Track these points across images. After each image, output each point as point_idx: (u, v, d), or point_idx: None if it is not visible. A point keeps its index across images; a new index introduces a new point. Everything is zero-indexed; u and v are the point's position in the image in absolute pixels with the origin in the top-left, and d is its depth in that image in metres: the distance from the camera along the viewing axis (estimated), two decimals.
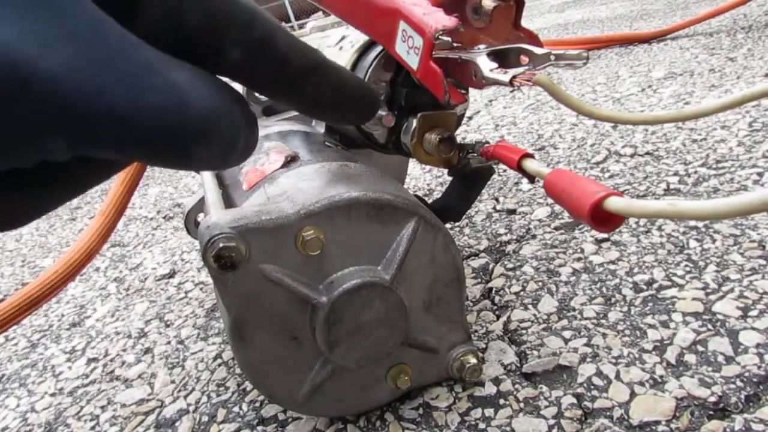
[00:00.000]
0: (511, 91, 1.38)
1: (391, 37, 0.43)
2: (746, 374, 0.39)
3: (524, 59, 0.39)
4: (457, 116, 0.49)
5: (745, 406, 0.37)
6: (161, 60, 0.16)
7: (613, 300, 0.51)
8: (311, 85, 0.22)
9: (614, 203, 0.31)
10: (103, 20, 0.15)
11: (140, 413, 0.53)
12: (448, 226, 0.72)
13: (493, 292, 0.58)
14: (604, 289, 0.53)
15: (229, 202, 0.51)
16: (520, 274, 0.59)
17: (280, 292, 0.37)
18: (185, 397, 0.53)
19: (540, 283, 0.57)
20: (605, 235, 0.62)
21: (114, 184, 0.57)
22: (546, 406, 0.41)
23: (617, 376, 0.42)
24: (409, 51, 0.41)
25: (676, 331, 0.45)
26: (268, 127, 0.60)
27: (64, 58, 0.14)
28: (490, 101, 1.36)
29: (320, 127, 0.61)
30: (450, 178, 0.56)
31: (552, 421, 0.40)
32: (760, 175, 0.66)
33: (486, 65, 0.38)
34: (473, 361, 0.44)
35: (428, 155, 0.48)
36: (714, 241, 0.56)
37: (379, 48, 0.48)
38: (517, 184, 0.83)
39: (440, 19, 0.39)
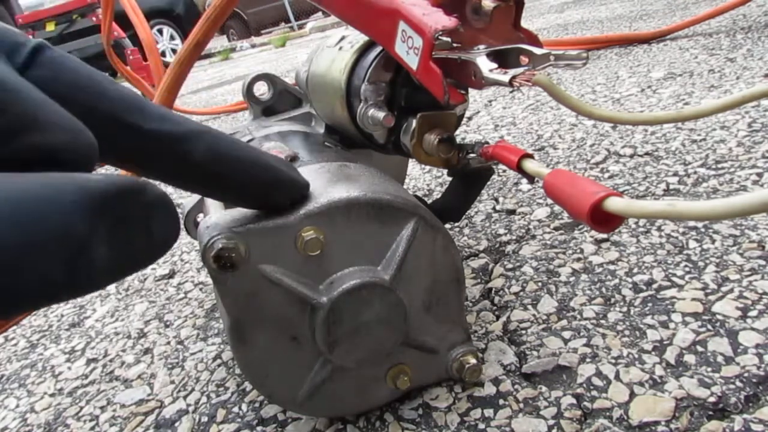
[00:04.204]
0: (511, 92, 1.38)
1: (391, 37, 0.43)
2: (746, 375, 0.40)
3: (524, 59, 0.39)
4: (456, 116, 0.49)
5: (744, 406, 0.37)
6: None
7: (612, 300, 0.51)
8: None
9: (614, 204, 0.31)
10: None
11: (140, 414, 0.53)
12: (447, 226, 0.72)
13: (493, 292, 0.58)
14: (603, 290, 0.53)
15: None
16: (520, 274, 0.59)
17: (279, 293, 0.37)
18: (185, 397, 0.53)
19: (539, 284, 0.57)
20: (605, 236, 0.62)
21: None
22: (545, 407, 0.41)
23: (617, 377, 0.42)
24: (408, 51, 0.41)
25: (675, 331, 0.45)
26: (267, 127, 0.60)
27: None
28: (490, 101, 1.36)
29: (320, 128, 0.61)
30: (450, 179, 0.56)
31: (551, 422, 0.40)
32: (760, 175, 0.66)
33: (485, 65, 0.38)
34: (473, 361, 0.44)
35: (428, 155, 0.48)
36: (713, 241, 0.56)
37: (379, 48, 0.48)
38: (516, 184, 0.83)
39: (440, 20, 0.39)
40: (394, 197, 0.39)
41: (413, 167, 1.02)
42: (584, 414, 0.40)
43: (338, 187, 0.39)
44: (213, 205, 0.44)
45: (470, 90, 0.48)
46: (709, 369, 0.41)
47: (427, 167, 1.00)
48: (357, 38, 0.51)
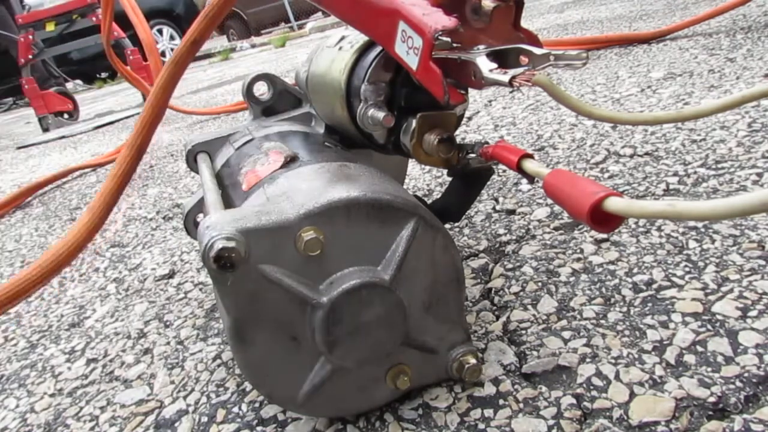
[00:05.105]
0: (511, 92, 1.38)
1: (391, 37, 0.43)
2: (745, 375, 0.40)
3: (524, 59, 0.39)
4: (456, 116, 0.49)
5: (744, 406, 0.37)
6: None
7: (612, 300, 0.51)
8: None
9: (614, 204, 0.31)
10: None
11: (140, 414, 0.53)
12: (447, 226, 0.72)
13: (493, 292, 0.58)
14: (603, 290, 0.53)
15: (228, 202, 0.51)
16: (520, 274, 0.59)
17: (279, 293, 0.37)
18: (185, 397, 0.53)
19: (539, 284, 0.57)
20: (605, 236, 0.62)
21: (106, 180, 0.57)
22: (545, 407, 0.41)
23: (617, 377, 0.42)
24: (408, 51, 0.41)
25: (675, 331, 0.45)
26: (268, 127, 0.60)
27: None
28: (490, 101, 1.36)
29: (320, 128, 0.61)
30: (450, 179, 0.56)
31: (551, 422, 0.40)
32: (760, 175, 0.66)
33: (485, 65, 0.38)
34: (473, 361, 0.44)
35: (427, 155, 0.48)
36: (713, 241, 0.56)
37: (379, 48, 0.48)
38: (516, 184, 0.83)
39: (440, 20, 0.39)
40: (394, 197, 0.39)
41: (413, 167, 1.02)
42: (584, 414, 0.40)
43: (338, 187, 0.39)
44: (213, 205, 0.44)
45: (470, 90, 0.48)
46: (709, 369, 0.41)
47: (427, 167, 1.00)
48: (357, 38, 0.51)
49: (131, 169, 0.57)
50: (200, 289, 0.76)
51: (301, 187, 0.42)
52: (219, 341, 0.62)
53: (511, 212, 0.74)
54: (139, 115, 2.74)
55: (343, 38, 0.55)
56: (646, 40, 1.56)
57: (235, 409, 0.50)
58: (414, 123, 0.47)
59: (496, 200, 0.79)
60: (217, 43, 7.99)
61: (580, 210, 0.32)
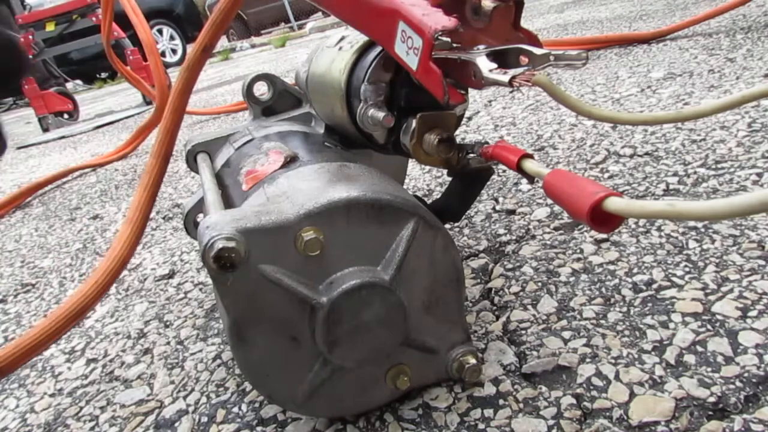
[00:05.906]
0: (511, 92, 1.38)
1: (391, 37, 0.43)
2: (745, 375, 0.40)
3: (524, 60, 0.39)
4: (456, 116, 0.49)
5: (744, 406, 0.37)
6: None
7: (612, 300, 0.51)
8: None
9: (613, 204, 0.31)
10: None
11: (140, 414, 0.53)
12: (447, 226, 0.72)
13: (493, 292, 0.58)
14: (603, 290, 0.53)
15: (228, 202, 0.51)
16: (520, 274, 0.59)
17: (279, 293, 0.37)
18: (185, 397, 0.53)
19: (539, 284, 0.57)
20: (604, 236, 0.62)
21: (137, 191, 0.58)
22: (545, 407, 0.41)
23: (617, 377, 0.42)
24: (408, 51, 0.41)
25: (675, 331, 0.45)
26: (267, 127, 0.60)
27: None
28: (490, 102, 1.36)
29: (320, 128, 0.61)
30: (450, 179, 0.56)
31: (551, 422, 0.40)
32: (759, 175, 0.66)
33: (485, 65, 0.38)
34: (472, 361, 0.44)
35: (427, 155, 0.48)
36: (713, 241, 0.56)
37: (379, 48, 0.48)
38: (516, 184, 0.83)
39: (439, 20, 0.39)
40: (393, 197, 0.39)
41: (413, 167, 1.02)
42: (584, 414, 0.40)
43: (338, 187, 0.39)
44: (213, 205, 0.44)
45: (470, 90, 0.48)
46: (709, 369, 0.41)
47: (427, 167, 1.00)
48: (357, 38, 0.51)
49: (160, 177, 0.58)
50: (200, 289, 0.76)
51: (301, 187, 0.42)
52: (219, 341, 0.62)
53: (511, 212, 0.74)
54: (139, 115, 2.73)
55: (343, 38, 0.55)
56: (646, 40, 1.56)
57: (235, 409, 0.50)
58: (414, 123, 0.47)
59: (496, 200, 0.79)
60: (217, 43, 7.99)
61: (580, 210, 0.32)
